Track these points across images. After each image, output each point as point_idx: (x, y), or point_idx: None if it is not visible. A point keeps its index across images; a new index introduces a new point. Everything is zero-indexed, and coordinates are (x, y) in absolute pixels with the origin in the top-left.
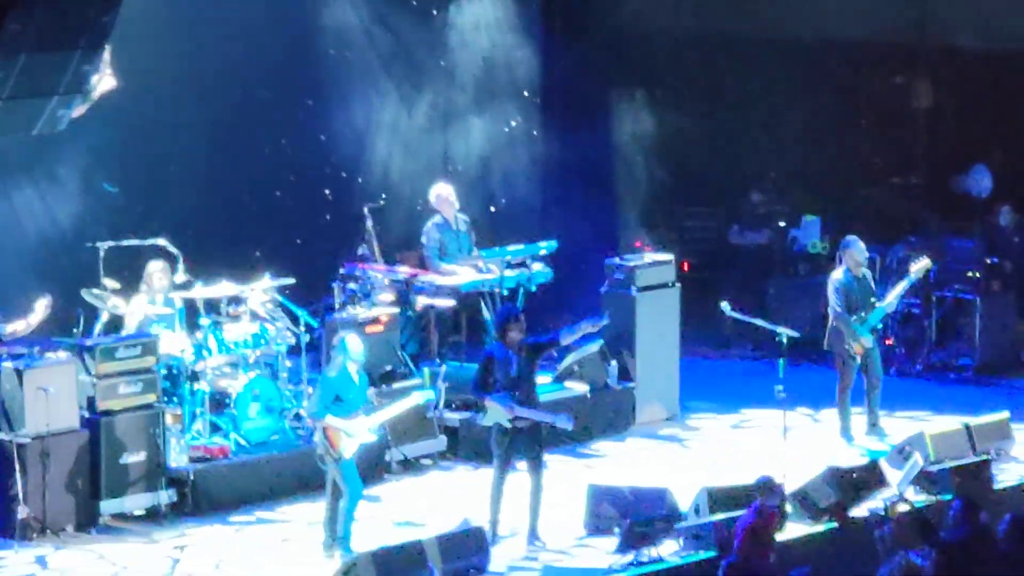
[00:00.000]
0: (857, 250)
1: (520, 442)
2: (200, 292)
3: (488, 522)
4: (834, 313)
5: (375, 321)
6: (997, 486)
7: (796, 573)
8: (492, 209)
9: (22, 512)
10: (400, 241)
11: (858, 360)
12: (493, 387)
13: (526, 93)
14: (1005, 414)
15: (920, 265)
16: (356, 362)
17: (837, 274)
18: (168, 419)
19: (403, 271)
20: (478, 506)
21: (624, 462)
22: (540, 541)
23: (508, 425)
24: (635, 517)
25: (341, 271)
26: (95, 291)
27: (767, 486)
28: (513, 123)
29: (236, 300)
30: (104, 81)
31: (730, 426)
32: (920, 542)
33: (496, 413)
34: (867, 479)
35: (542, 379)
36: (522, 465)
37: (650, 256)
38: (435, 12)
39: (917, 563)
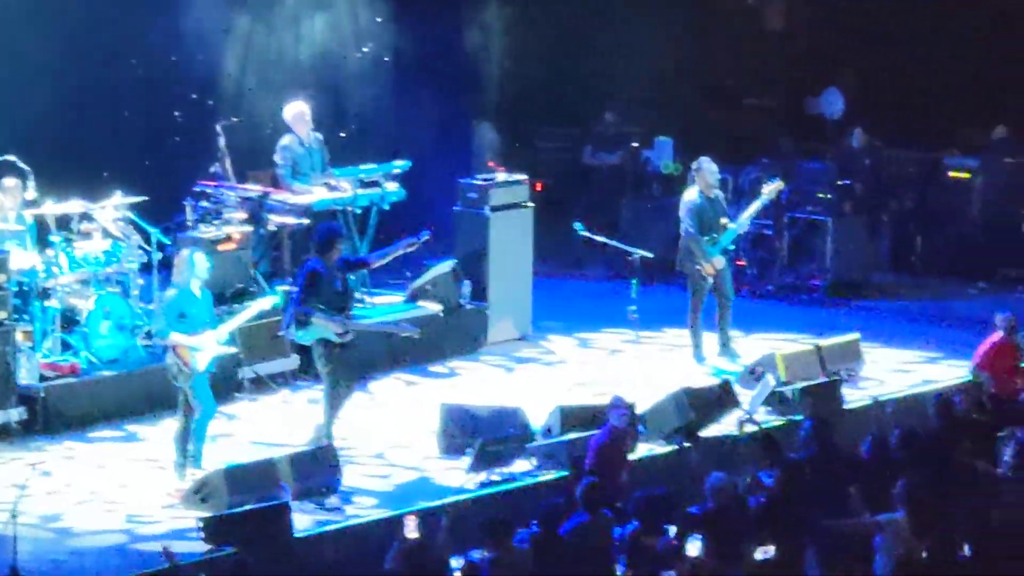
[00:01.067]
0: (709, 171)
1: (344, 358)
2: (51, 209)
3: (323, 439)
4: (686, 234)
5: (227, 239)
6: (846, 406)
7: (648, 492)
8: (342, 135)
9: None
10: (253, 159)
11: (710, 281)
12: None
13: (379, 19)
14: (855, 335)
15: (772, 187)
16: (199, 279)
17: (689, 195)
18: (18, 336)
19: (256, 189)
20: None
21: (477, 382)
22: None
23: (336, 340)
24: (488, 436)
25: (194, 189)
26: None
27: (620, 406)
28: (365, 49)
29: (87, 217)
30: None
31: (583, 346)
32: (767, 461)
33: (321, 329)
34: (719, 400)
35: (394, 298)
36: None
37: (503, 176)
38: None
39: (764, 481)
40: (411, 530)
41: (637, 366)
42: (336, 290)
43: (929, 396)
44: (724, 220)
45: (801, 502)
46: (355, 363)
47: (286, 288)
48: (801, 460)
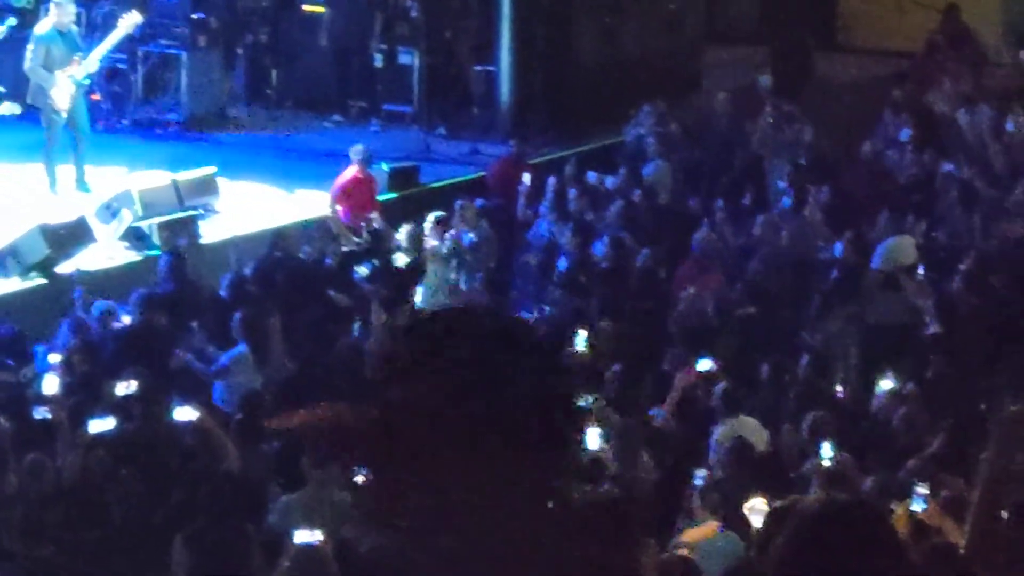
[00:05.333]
0: (64, 5)
1: None
2: None
3: None
4: (35, 69)
5: None
6: (203, 241)
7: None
8: None
9: None
10: None
11: (64, 115)
12: None
13: None
14: (212, 169)
15: (128, 20)
16: None
17: (41, 28)
18: None
19: None
20: None
21: None
22: None
23: None
24: None
25: None
26: None
27: None
28: None
29: None
30: None
31: None
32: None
33: None
34: (75, 235)
35: None
36: None
37: None
38: None
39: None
40: None
41: None
42: None
43: (286, 230)
44: (78, 56)
45: (159, 337)
46: None
47: None
48: (159, 295)
